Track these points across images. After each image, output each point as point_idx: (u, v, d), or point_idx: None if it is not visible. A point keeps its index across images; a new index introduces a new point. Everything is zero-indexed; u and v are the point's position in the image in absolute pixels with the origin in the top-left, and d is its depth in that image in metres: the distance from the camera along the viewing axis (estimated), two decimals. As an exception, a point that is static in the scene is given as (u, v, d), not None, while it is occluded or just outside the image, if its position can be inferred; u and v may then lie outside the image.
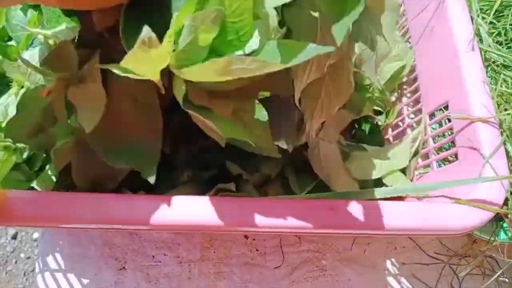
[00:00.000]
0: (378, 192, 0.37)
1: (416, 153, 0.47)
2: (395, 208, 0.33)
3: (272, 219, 0.31)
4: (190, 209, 0.31)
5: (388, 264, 0.54)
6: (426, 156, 0.48)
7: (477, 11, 0.47)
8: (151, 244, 0.52)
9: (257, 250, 0.53)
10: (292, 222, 0.31)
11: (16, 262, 1.01)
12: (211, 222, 0.30)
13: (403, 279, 0.54)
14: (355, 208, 0.32)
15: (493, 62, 0.47)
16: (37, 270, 0.52)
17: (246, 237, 0.54)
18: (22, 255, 1.02)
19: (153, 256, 0.52)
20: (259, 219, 0.31)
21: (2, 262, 1.13)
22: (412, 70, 0.53)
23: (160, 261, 0.51)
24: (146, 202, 0.31)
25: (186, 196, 0.31)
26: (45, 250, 0.52)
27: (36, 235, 1.05)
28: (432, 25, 0.46)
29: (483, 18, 0.47)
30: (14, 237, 1.05)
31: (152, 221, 0.30)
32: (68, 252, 0.51)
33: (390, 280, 0.54)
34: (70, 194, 0.32)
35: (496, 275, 0.50)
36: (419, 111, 0.50)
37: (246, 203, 0.32)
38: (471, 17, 0.44)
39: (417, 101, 0.51)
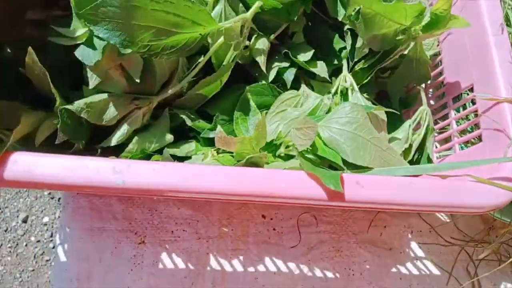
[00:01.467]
0: (400, 170, 0.37)
1: (425, 135, 0.47)
2: (419, 184, 0.33)
3: (294, 188, 0.32)
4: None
5: (405, 247, 0.55)
6: (446, 140, 0.48)
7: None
8: (170, 220, 0.53)
9: (274, 229, 0.54)
10: (320, 193, 0.32)
11: (26, 245, 1.04)
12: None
13: (418, 263, 0.54)
14: (381, 183, 0.33)
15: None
16: (57, 242, 0.53)
17: (263, 216, 0.54)
18: (32, 238, 1.05)
19: (172, 232, 0.53)
20: (281, 188, 0.31)
21: (14, 245, 1.15)
22: (436, 54, 0.52)
23: (179, 237, 0.52)
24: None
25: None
26: (66, 222, 0.53)
27: (46, 219, 1.07)
28: (460, 6, 0.45)
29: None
30: (24, 220, 1.07)
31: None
32: (89, 226, 0.52)
33: (406, 263, 0.54)
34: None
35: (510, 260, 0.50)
36: (442, 95, 0.50)
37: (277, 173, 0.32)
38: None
39: (438, 86, 0.51)
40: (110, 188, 0.30)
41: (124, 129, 0.39)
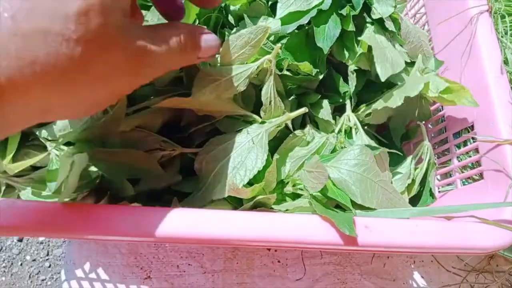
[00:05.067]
0: (405, 212, 0.38)
1: (427, 170, 0.48)
2: (425, 227, 0.34)
3: (307, 236, 0.32)
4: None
5: (407, 277, 0.55)
6: (447, 174, 0.49)
7: (501, 31, 0.48)
8: (176, 254, 0.53)
9: (279, 261, 0.54)
10: (327, 238, 0.32)
11: (21, 264, 1.02)
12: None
13: (422, 293, 0.55)
14: (389, 227, 0.33)
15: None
16: (63, 278, 0.53)
17: (268, 249, 0.55)
18: (28, 258, 1.03)
19: (178, 266, 0.53)
20: (295, 234, 0.32)
21: (8, 264, 1.13)
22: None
23: (184, 271, 0.52)
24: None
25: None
26: (71, 258, 0.53)
27: (42, 237, 1.05)
28: (459, 47, 0.47)
29: (507, 39, 0.48)
30: (20, 239, 1.06)
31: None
32: (95, 261, 0.52)
33: (410, 294, 0.55)
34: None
35: None
36: (441, 130, 0.51)
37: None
38: (498, 38, 0.45)
39: (438, 120, 0.52)
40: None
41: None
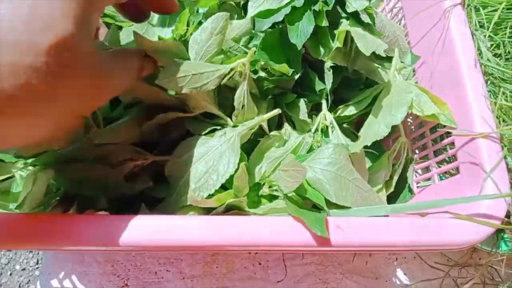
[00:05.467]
0: (378, 210, 0.37)
1: (405, 166, 0.48)
2: (397, 224, 0.33)
3: (280, 237, 0.31)
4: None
5: (390, 275, 0.55)
6: (427, 169, 0.48)
7: (475, 24, 0.48)
8: (153, 261, 0.52)
9: (259, 264, 0.53)
10: (299, 240, 0.31)
11: (11, 274, 1.00)
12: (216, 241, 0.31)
13: (405, 290, 0.54)
14: (361, 226, 0.33)
15: (492, 75, 0.47)
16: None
17: (249, 252, 0.54)
18: (17, 267, 1.01)
19: (156, 273, 0.52)
20: (267, 237, 0.31)
21: (-3, 274, 1.10)
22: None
23: (162, 277, 0.51)
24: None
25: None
26: (48, 267, 0.51)
27: None
28: (434, 41, 0.47)
29: (482, 31, 0.48)
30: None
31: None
32: (71, 269, 0.51)
33: (393, 291, 0.54)
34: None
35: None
36: (420, 124, 0.51)
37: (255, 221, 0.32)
38: (471, 31, 0.45)
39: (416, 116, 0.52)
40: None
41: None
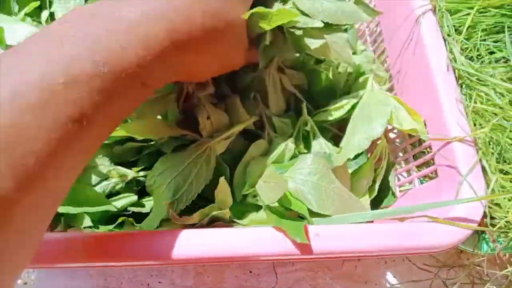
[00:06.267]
0: (358, 217, 0.38)
1: (386, 170, 0.49)
2: (375, 230, 0.34)
3: (259, 248, 0.32)
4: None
5: (380, 278, 0.56)
6: (409, 173, 0.49)
7: (448, 27, 0.49)
8: (145, 273, 0.53)
9: (250, 272, 0.54)
10: (280, 249, 0.32)
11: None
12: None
13: (394, 292, 0.55)
14: (339, 233, 0.34)
15: (468, 78, 0.48)
16: (31, 305, 0.52)
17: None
18: (18, 281, 1.02)
19: (148, 284, 0.52)
20: (243, 249, 0.32)
21: (-4, 290, 1.10)
22: (390, 90, 0.54)
23: (155, 289, 0.52)
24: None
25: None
26: (41, 283, 0.52)
27: None
28: (407, 46, 0.48)
29: (455, 37, 0.49)
30: None
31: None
32: (63, 284, 0.52)
33: (382, 294, 0.55)
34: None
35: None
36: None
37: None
38: (443, 37, 0.46)
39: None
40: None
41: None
